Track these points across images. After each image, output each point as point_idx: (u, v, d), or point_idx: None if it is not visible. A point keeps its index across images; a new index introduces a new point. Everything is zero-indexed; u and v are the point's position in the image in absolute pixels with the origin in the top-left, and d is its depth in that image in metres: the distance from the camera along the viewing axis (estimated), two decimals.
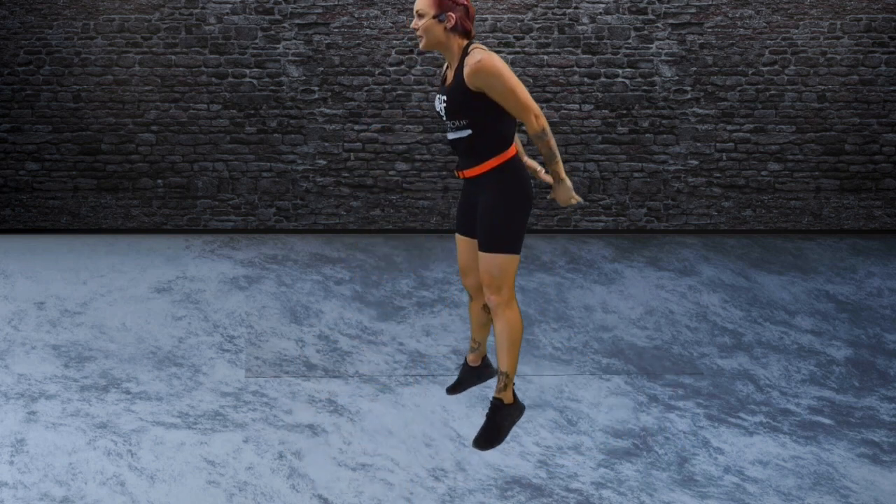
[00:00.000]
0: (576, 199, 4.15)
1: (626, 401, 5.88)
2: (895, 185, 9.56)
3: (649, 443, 5.23)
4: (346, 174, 9.30)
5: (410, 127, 9.29)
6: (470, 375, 4.76)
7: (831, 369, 6.48)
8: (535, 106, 4.03)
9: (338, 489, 4.68)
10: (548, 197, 4.25)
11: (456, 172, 4.32)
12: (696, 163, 9.44)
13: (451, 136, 4.18)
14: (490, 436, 4.42)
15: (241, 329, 6.47)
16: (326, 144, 9.28)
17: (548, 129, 4.04)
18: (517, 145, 4.29)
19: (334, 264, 7.50)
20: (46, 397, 5.42)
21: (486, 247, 4.16)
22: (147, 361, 6.00)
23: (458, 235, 4.44)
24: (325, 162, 9.29)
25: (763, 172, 9.48)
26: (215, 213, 9.30)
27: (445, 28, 4.07)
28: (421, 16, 4.08)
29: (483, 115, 4.07)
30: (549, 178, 4.25)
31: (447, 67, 4.25)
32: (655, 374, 6.21)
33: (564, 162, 9.40)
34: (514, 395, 4.49)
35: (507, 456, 5.20)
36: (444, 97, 4.13)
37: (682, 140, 9.43)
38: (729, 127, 9.44)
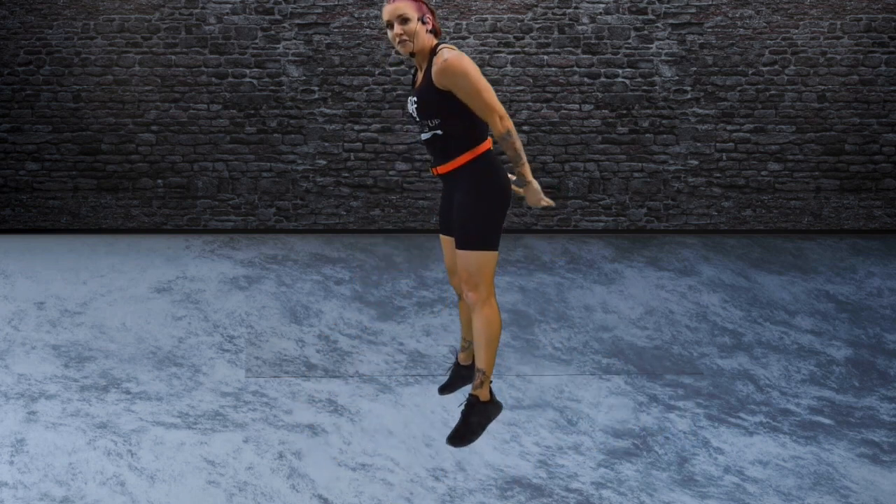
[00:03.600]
0: (546, 201, 4.14)
1: (626, 401, 5.88)
2: (895, 185, 9.56)
3: (649, 443, 5.24)
4: (346, 174, 9.30)
5: (410, 127, 9.29)
6: (460, 375, 4.75)
7: (831, 369, 6.49)
8: (500, 107, 4.04)
9: (338, 489, 4.68)
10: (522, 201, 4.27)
11: (431, 171, 4.32)
12: (696, 163, 9.44)
13: (423, 136, 4.20)
14: (463, 433, 4.39)
15: (241, 329, 6.47)
16: (326, 144, 9.28)
17: (513, 131, 4.05)
18: (490, 142, 4.30)
19: (334, 264, 7.50)
20: (46, 397, 5.42)
21: (462, 244, 4.16)
22: (147, 361, 6.00)
23: (441, 235, 4.44)
24: (325, 162, 9.29)
25: (763, 172, 9.48)
26: (215, 213, 9.30)
27: (427, 30, 4.10)
28: (406, 20, 4.09)
29: (454, 113, 4.08)
30: (520, 191, 4.26)
31: (416, 70, 4.27)
32: (655, 374, 6.21)
33: (565, 162, 9.40)
34: (492, 392, 4.46)
35: (507, 456, 5.21)
36: (415, 98, 4.15)
37: (682, 140, 9.43)
38: (729, 127, 9.44)
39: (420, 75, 4.18)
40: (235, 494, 4.59)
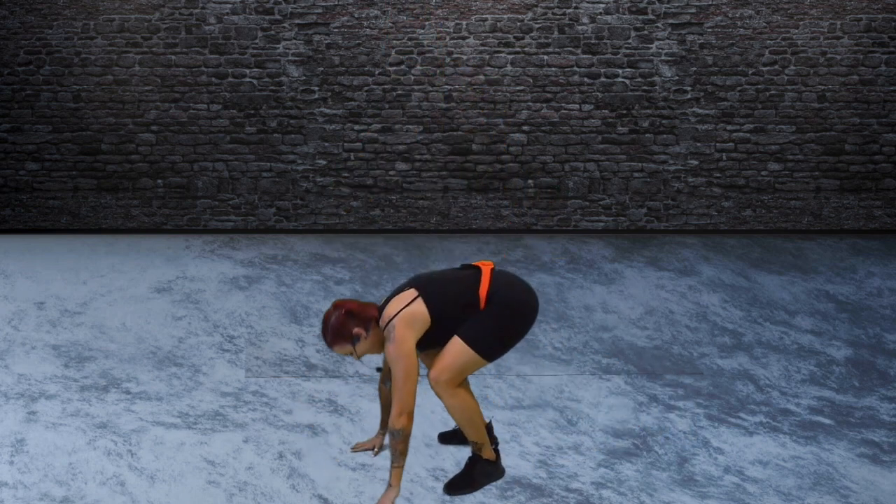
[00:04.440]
0: None
1: (626, 401, 5.88)
2: (895, 185, 9.56)
3: (649, 443, 5.24)
4: (346, 174, 9.30)
5: (410, 127, 9.29)
6: (455, 435, 5.03)
7: (831, 369, 6.49)
8: (408, 403, 4.19)
9: (338, 489, 4.68)
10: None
11: None
12: (696, 163, 9.44)
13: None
14: (462, 483, 4.51)
15: (241, 329, 6.47)
16: (326, 144, 9.28)
17: (405, 433, 4.21)
18: (486, 283, 4.45)
19: (334, 264, 7.50)
20: (46, 397, 5.43)
21: (464, 334, 4.33)
22: (147, 361, 6.01)
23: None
24: (325, 162, 9.29)
25: (763, 172, 9.48)
26: (215, 213, 9.30)
27: (365, 338, 4.36)
28: (351, 354, 4.39)
29: (440, 333, 4.35)
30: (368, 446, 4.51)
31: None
32: (655, 374, 6.21)
33: (565, 162, 9.40)
34: (497, 453, 4.61)
35: (507, 456, 5.21)
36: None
37: (682, 140, 9.43)
38: (729, 127, 9.44)
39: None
40: (235, 494, 4.59)
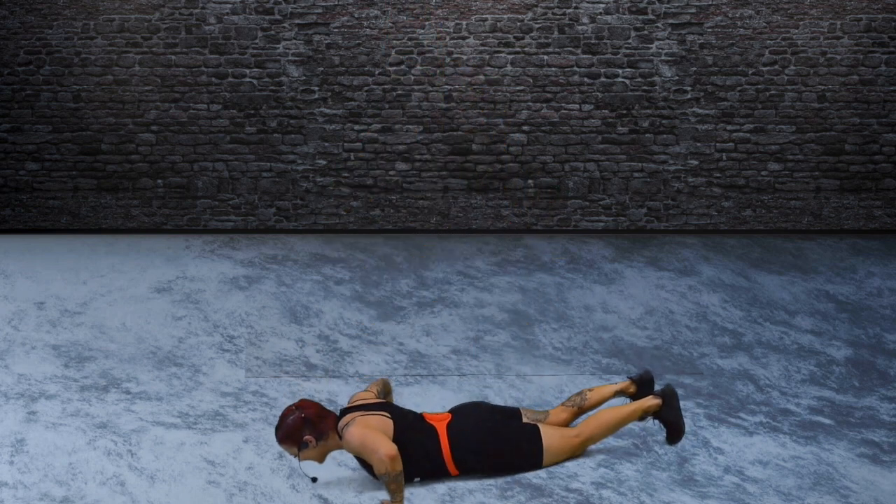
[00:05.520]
0: None
1: (627, 400, 5.87)
2: (895, 185, 9.56)
3: (649, 443, 5.24)
4: (346, 174, 9.31)
5: (410, 127, 9.30)
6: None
7: (831, 369, 6.49)
8: (387, 450, 4.36)
9: (338, 489, 4.69)
10: None
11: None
12: (696, 163, 9.45)
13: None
14: (677, 427, 4.85)
15: (241, 329, 6.47)
16: (326, 144, 9.28)
17: (393, 475, 4.36)
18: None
19: (334, 264, 7.50)
20: (46, 397, 5.43)
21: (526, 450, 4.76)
22: (147, 361, 6.01)
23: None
24: (325, 162, 9.29)
25: (763, 172, 9.48)
26: (215, 213, 9.30)
27: (314, 444, 4.49)
28: (294, 455, 4.52)
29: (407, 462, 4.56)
30: None
31: None
32: (655, 374, 6.21)
33: (565, 162, 9.40)
34: (660, 396, 4.92)
35: None
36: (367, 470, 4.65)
37: (682, 140, 9.43)
38: (729, 127, 9.45)
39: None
40: (235, 494, 4.59)
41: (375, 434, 4.46)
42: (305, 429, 4.48)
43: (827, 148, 9.50)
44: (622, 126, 9.39)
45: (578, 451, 4.87)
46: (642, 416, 4.90)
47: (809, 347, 6.74)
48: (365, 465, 4.58)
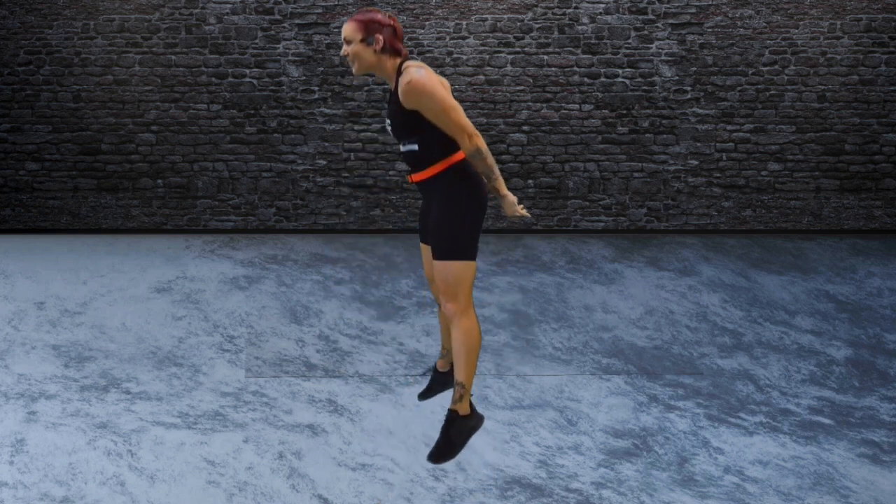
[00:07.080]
0: (521, 212, 4.10)
1: (626, 401, 5.88)
2: (895, 185, 9.56)
3: (649, 443, 5.24)
4: (346, 174, 9.31)
5: None
6: (438, 381, 4.70)
7: (831, 369, 6.49)
8: (468, 125, 3.99)
9: (338, 489, 4.68)
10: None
11: (408, 178, 4.28)
12: (696, 163, 9.44)
13: (402, 148, 4.19)
14: (444, 450, 4.29)
15: (241, 329, 6.47)
16: (326, 144, 9.28)
17: (483, 148, 4.00)
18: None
19: (334, 264, 7.50)
20: (46, 397, 5.42)
21: (439, 254, 4.12)
22: (147, 361, 6.00)
23: (421, 244, 4.41)
24: (325, 162, 9.29)
25: (763, 172, 9.48)
26: (215, 213, 9.30)
27: (375, 51, 4.06)
28: (349, 42, 4.07)
29: (427, 129, 4.04)
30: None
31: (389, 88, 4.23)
32: (655, 374, 6.21)
33: (565, 162, 9.40)
34: (472, 405, 4.39)
35: (507, 456, 5.20)
36: (389, 119, 4.14)
37: (682, 140, 9.43)
38: (729, 127, 9.44)
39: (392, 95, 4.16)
40: (235, 494, 4.59)
41: (453, 106, 3.97)
42: (386, 30, 4.08)
43: (827, 148, 9.50)
44: (622, 126, 9.39)
45: None
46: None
47: (809, 347, 6.74)
48: (401, 120, 4.09)
